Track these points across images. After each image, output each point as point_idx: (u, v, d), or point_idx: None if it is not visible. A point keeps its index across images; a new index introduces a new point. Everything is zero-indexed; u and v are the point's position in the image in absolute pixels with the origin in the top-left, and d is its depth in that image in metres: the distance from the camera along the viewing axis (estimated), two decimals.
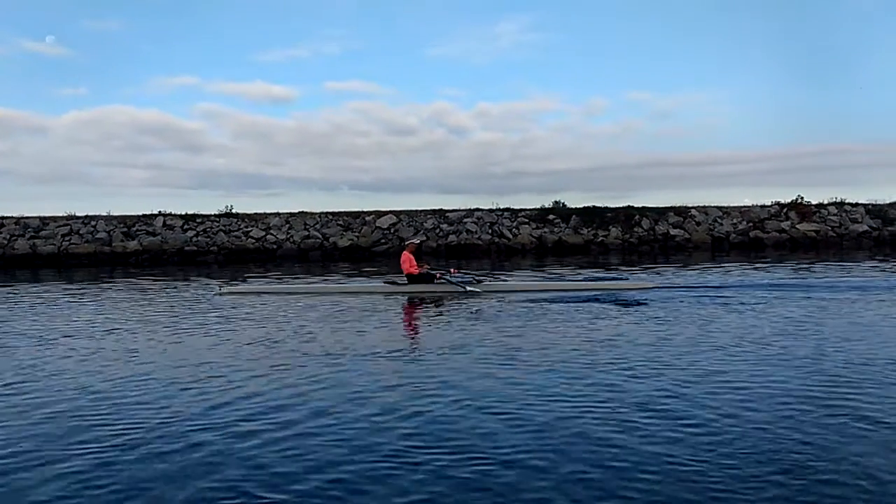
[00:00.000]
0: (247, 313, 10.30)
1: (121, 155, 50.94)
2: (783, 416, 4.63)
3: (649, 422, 4.55)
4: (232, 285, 14.08)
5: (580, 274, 16.30)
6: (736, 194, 55.16)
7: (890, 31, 53.38)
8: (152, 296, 13.54)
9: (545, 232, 26.66)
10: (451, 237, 26.16)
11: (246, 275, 18.49)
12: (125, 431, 4.56)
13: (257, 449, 4.19)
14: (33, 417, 4.98)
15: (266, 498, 3.53)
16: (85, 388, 5.80)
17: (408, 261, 12.68)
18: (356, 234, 26.19)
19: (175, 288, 15.08)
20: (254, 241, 25.63)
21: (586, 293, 11.86)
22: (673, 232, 26.79)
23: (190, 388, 5.70)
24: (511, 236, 26.42)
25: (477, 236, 26.29)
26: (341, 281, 15.42)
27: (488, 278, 13.27)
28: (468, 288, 12.25)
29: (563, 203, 28.57)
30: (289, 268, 21.26)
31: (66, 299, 13.08)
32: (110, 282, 17.26)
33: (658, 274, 15.59)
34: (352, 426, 4.59)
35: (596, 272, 16.78)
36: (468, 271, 13.65)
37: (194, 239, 25.36)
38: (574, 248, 25.86)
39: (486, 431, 4.45)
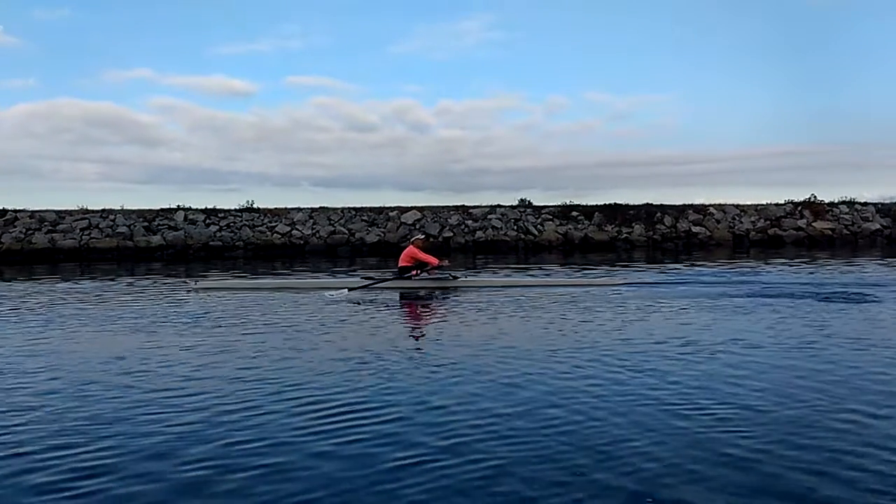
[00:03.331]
0: (219, 308, 10.15)
1: (71, 149, 49.67)
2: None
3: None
4: (207, 280, 13.92)
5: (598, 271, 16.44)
6: (694, 194, 56.76)
7: (863, 28, 55.06)
8: (130, 289, 13.29)
9: (570, 228, 26.84)
10: (479, 233, 26.16)
11: (273, 270, 18.31)
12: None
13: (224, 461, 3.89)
14: None
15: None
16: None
17: (411, 255, 12.61)
18: (382, 229, 26.01)
19: (159, 282, 14.86)
20: (279, 236, 25.27)
21: (558, 289, 12.15)
22: (695, 229, 27.24)
23: (140, 386, 5.45)
24: (537, 233, 26.54)
25: (503, 233, 26.35)
26: (319, 277, 15.30)
27: (463, 275, 13.39)
28: (444, 284, 12.42)
29: (528, 200, 28.93)
30: (316, 263, 21.02)
31: (38, 294, 12.76)
32: (99, 276, 16.93)
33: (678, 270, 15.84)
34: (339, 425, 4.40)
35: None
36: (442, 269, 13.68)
37: (218, 234, 24.88)
38: (600, 245, 26.10)
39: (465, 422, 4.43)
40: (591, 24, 59.88)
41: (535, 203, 28.59)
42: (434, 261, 12.57)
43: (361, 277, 13.23)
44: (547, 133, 55.51)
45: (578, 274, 15.51)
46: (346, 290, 11.77)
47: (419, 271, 12.49)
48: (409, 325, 9.20)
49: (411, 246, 12.79)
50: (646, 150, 56.97)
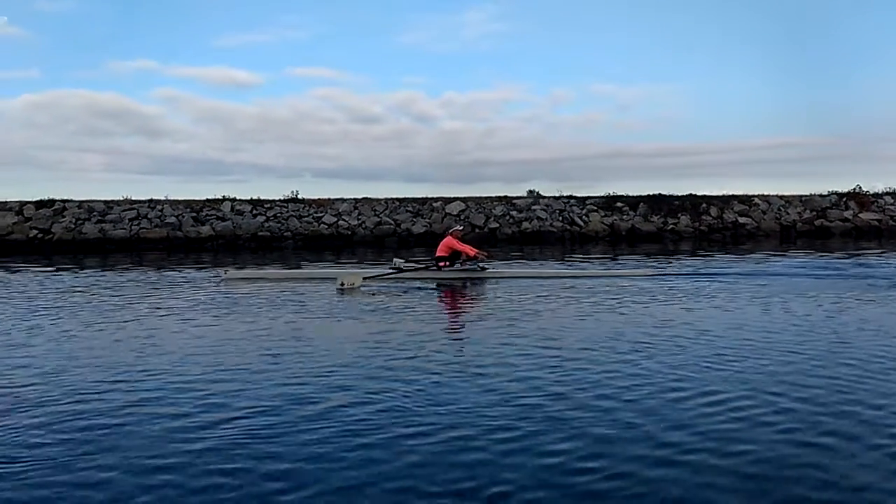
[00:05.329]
0: (248, 298, 10.22)
1: (76, 139, 49.71)
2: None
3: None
4: (237, 270, 14.00)
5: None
6: (702, 185, 56.25)
7: (868, 19, 54.56)
8: (161, 280, 13.39)
9: (616, 219, 26.73)
10: (525, 224, 26.07)
11: (322, 260, 18.30)
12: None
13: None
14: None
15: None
16: (41, 374, 5.65)
17: (449, 245, 12.67)
18: (428, 220, 25.96)
19: (190, 272, 14.95)
20: (326, 226, 25.24)
21: (586, 280, 12.17)
22: (742, 220, 27.08)
23: (168, 375, 5.56)
24: (582, 224, 26.43)
25: (549, 223, 26.25)
26: (347, 266, 15.41)
27: (492, 266, 13.35)
28: (473, 275, 12.45)
29: (537, 192, 28.82)
30: (363, 254, 21.01)
31: (69, 283, 13.03)
32: (132, 266, 17.02)
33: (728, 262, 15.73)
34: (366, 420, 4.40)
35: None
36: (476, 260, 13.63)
37: (266, 224, 24.88)
38: (648, 237, 25.97)
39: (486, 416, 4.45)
40: (595, 15, 59.76)
41: (544, 193, 28.54)
42: (472, 251, 12.63)
43: (391, 267, 13.28)
44: (552, 124, 55.65)
45: (664, 265, 15.35)
46: (361, 277, 11.70)
47: (448, 262, 12.51)
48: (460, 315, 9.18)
49: (449, 236, 12.86)
50: (651, 141, 57.00)
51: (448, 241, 12.73)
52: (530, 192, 28.93)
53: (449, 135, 53.16)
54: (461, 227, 14.13)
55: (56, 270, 15.72)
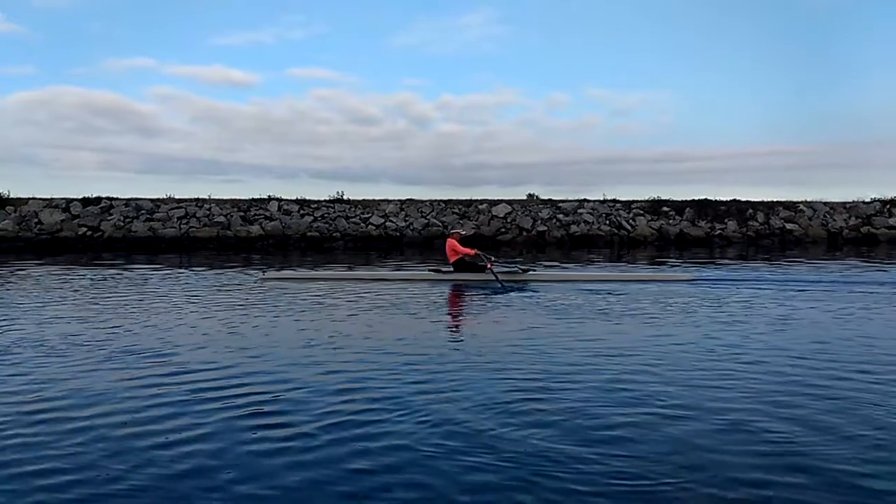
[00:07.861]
0: (286, 299, 10.20)
1: (71, 137, 49.14)
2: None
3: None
4: (275, 270, 13.97)
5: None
6: (697, 191, 56.15)
7: (863, 27, 54.47)
8: (199, 279, 13.37)
9: (663, 224, 26.64)
10: (573, 228, 25.98)
11: (371, 261, 18.21)
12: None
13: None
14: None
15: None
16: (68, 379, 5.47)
17: (452, 248, 12.65)
18: (475, 222, 25.85)
19: (228, 272, 14.93)
20: (374, 227, 25.11)
21: (628, 284, 12.05)
22: (789, 227, 27.01)
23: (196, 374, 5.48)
24: (630, 228, 26.35)
25: (597, 227, 26.15)
26: (386, 269, 15.38)
27: (532, 268, 13.22)
28: (513, 277, 12.33)
29: (536, 195, 29.01)
30: (410, 256, 20.89)
31: (109, 279, 13.17)
32: (172, 266, 16.86)
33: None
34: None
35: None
36: (511, 261, 13.52)
37: (314, 225, 24.75)
38: (696, 241, 25.91)
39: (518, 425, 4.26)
40: (593, 20, 59.58)
41: (543, 196, 28.77)
42: (472, 251, 12.65)
43: (429, 270, 13.27)
44: (547, 129, 55.34)
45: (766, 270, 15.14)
46: (499, 280, 11.86)
47: (490, 264, 12.33)
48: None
49: (451, 239, 12.82)
50: (646, 146, 56.87)
51: (452, 244, 12.70)
52: (529, 195, 29.14)
53: (445, 137, 53.09)
54: (464, 231, 14.25)
55: (163, 268, 15.75)
